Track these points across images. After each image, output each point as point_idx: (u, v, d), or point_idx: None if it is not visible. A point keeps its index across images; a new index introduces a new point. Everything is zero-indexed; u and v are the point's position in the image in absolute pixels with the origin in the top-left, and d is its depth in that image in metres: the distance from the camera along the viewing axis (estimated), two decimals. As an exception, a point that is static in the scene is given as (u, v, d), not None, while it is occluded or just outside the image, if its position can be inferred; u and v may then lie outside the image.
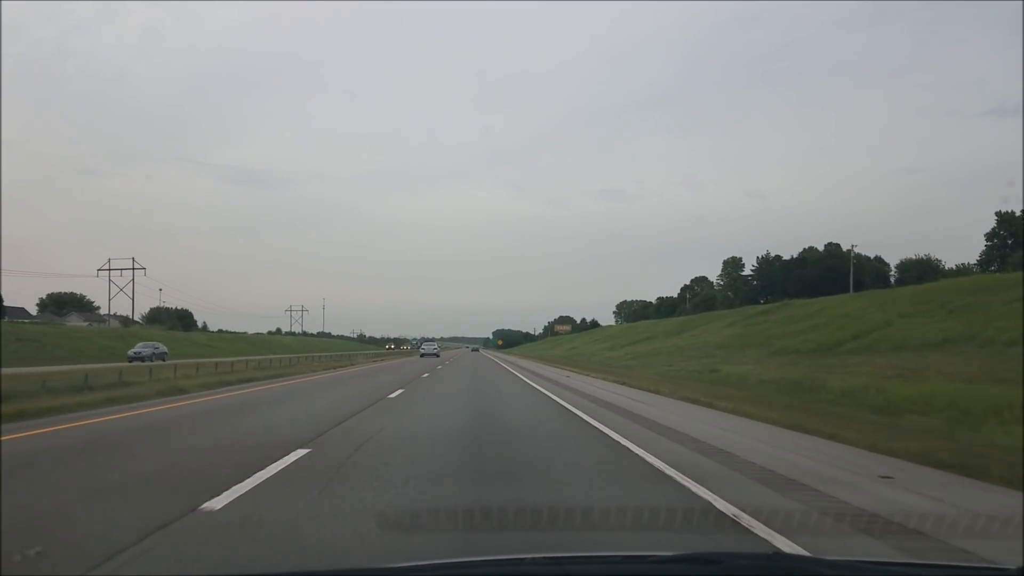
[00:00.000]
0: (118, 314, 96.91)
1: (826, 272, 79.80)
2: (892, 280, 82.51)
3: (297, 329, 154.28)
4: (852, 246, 78.87)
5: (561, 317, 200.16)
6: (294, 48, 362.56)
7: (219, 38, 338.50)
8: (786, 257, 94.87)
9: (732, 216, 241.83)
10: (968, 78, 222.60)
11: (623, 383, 24.11)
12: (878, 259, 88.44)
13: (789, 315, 45.85)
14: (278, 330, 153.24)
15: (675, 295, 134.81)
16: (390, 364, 45.95)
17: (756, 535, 4.86)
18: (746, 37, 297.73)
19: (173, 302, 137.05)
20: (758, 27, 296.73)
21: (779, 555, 3.09)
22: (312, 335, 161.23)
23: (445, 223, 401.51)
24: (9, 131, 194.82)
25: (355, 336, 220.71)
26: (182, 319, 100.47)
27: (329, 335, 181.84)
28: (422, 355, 68.93)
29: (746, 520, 5.23)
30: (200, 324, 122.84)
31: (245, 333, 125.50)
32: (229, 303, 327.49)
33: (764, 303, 69.08)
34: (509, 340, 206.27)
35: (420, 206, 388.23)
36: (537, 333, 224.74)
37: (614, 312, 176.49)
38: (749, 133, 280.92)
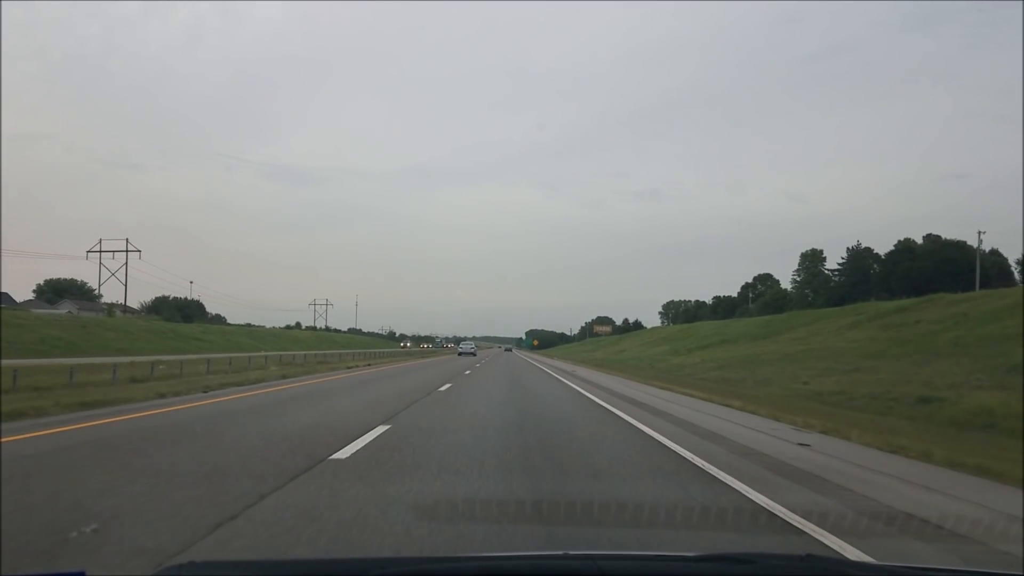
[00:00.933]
0: (118, 302, 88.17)
1: (943, 265, 65.51)
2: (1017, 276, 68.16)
3: (321, 324, 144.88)
4: (980, 233, 64.53)
5: (600, 317, 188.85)
6: (332, 47, 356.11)
7: (260, 36, 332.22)
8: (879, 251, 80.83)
9: (773, 218, 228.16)
10: (1017, 82, 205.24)
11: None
12: (994, 252, 73.96)
13: (959, 312, 32.55)
14: (297, 324, 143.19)
15: (720, 295, 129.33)
16: (370, 376, 28.84)
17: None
18: (788, 38, 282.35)
19: (204, 296, 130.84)
20: (800, 28, 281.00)
21: (812, 556, 2.54)
22: (340, 331, 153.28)
23: (478, 222, 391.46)
24: (50, 124, 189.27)
25: (384, 333, 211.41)
26: (181, 309, 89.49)
27: (360, 331, 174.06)
28: (460, 353, 71.69)
29: None
30: (212, 316, 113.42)
31: (262, 327, 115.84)
32: (262, 298, 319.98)
33: (876, 301, 55.15)
34: (544, 340, 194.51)
35: (454, 205, 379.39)
36: (573, 333, 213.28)
37: (660, 312, 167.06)
38: (789, 135, 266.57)
